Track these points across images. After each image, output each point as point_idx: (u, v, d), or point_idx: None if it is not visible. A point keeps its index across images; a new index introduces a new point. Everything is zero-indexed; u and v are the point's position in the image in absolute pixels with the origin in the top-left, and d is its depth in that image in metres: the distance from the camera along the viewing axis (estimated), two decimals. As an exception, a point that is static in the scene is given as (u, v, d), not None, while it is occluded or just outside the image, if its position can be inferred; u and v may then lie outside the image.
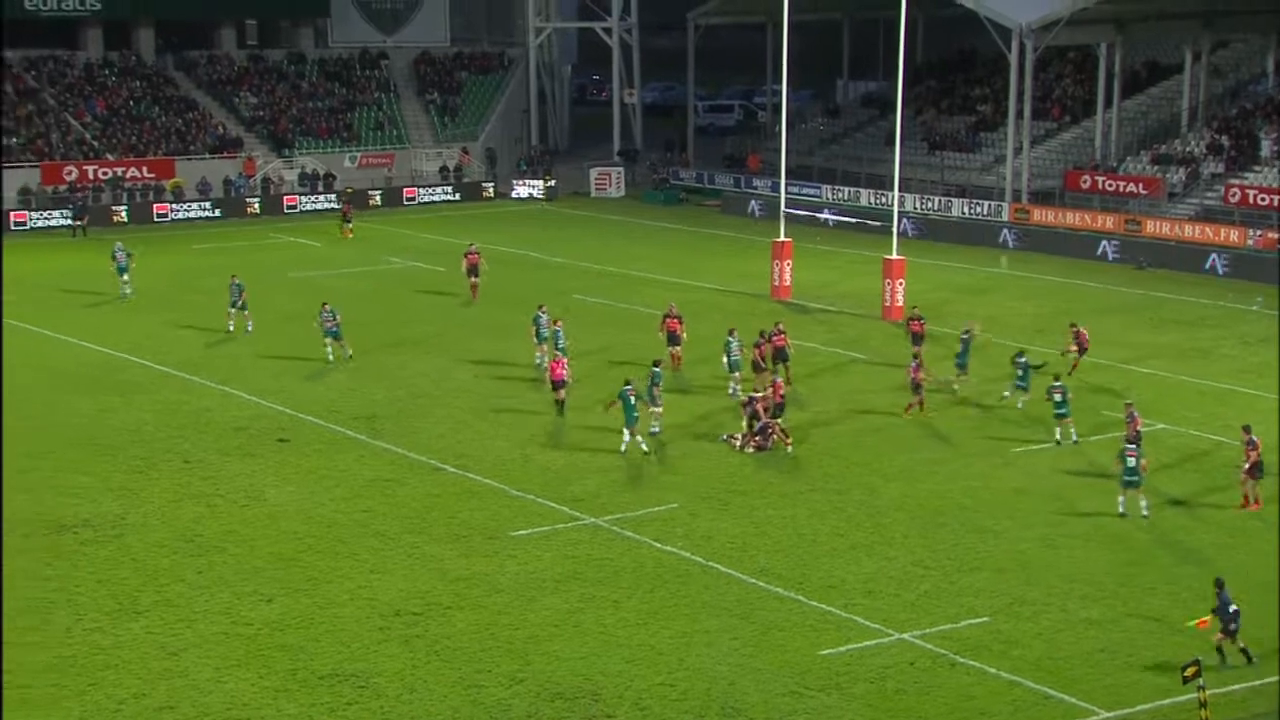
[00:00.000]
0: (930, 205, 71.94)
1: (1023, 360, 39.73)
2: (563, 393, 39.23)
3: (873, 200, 71.91)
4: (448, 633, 26.37)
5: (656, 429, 37.18)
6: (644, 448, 36.01)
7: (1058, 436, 36.96)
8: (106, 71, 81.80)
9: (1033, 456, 36.30)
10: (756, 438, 36.06)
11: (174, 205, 74.27)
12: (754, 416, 36.26)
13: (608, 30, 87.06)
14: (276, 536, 30.88)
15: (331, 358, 45.10)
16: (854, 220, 66.42)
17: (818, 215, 68.26)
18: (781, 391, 37.38)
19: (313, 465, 35.43)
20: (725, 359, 41.20)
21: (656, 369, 37.62)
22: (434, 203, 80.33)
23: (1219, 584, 24.93)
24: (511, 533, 31.09)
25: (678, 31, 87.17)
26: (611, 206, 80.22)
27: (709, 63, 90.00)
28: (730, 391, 40.81)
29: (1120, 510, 31.65)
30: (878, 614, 27.20)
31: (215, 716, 23.33)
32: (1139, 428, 34.45)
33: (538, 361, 43.75)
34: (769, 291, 55.50)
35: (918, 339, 43.55)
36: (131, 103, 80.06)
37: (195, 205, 74.69)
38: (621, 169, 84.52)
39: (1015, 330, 49.18)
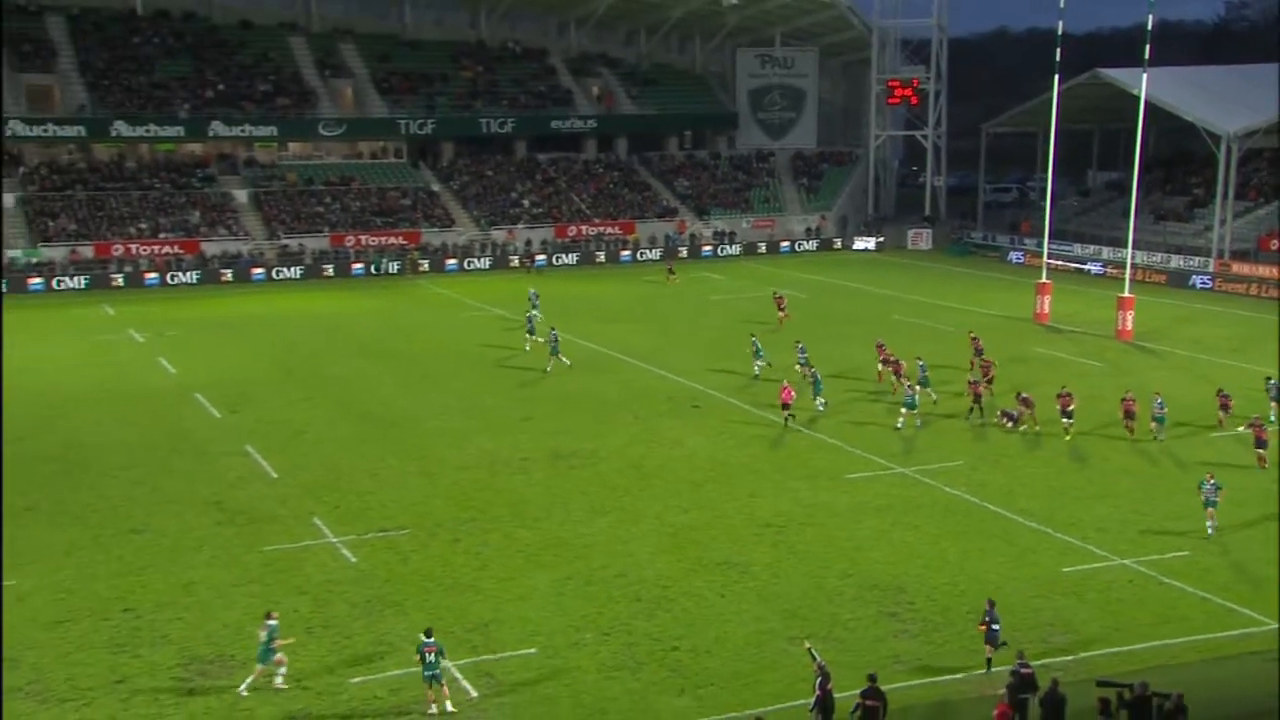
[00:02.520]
0: (1154, 260, 66.53)
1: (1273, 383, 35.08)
2: (787, 412, 34.84)
3: (1111, 255, 67.19)
4: (801, 540, 26.25)
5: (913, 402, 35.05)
6: (898, 425, 34.52)
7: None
8: (597, 165, 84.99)
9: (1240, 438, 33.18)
10: (1008, 421, 34.33)
11: (634, 251, 76.52)
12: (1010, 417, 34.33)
13: (924, 136, 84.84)
14: (690, 470, 31.34)
15: (550, 369, 41.62)
16: (1100, 268, 62.29)
17: (1081, 266, 64.65)
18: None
19: (715, 424, 35.63)
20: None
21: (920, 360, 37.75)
22: (799, 251, 80.00)
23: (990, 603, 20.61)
24: (846, 476, 30.68)
25: (974, 136, 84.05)
26: (921, 256, 77.99)
27: (995, 157, 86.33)
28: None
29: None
30: (1106, 544, 25.54)
31: (649, 583, 23.95)
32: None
33: (756, 373, 40.47)
34: (1032, 317, 52.92)
35: (979, 353, 40.83)
36: (611, 185, 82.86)
37: (646, 251, 76.78)
38: (930, 230, 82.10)
39: (1213, 348, 45.07)
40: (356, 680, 20.08)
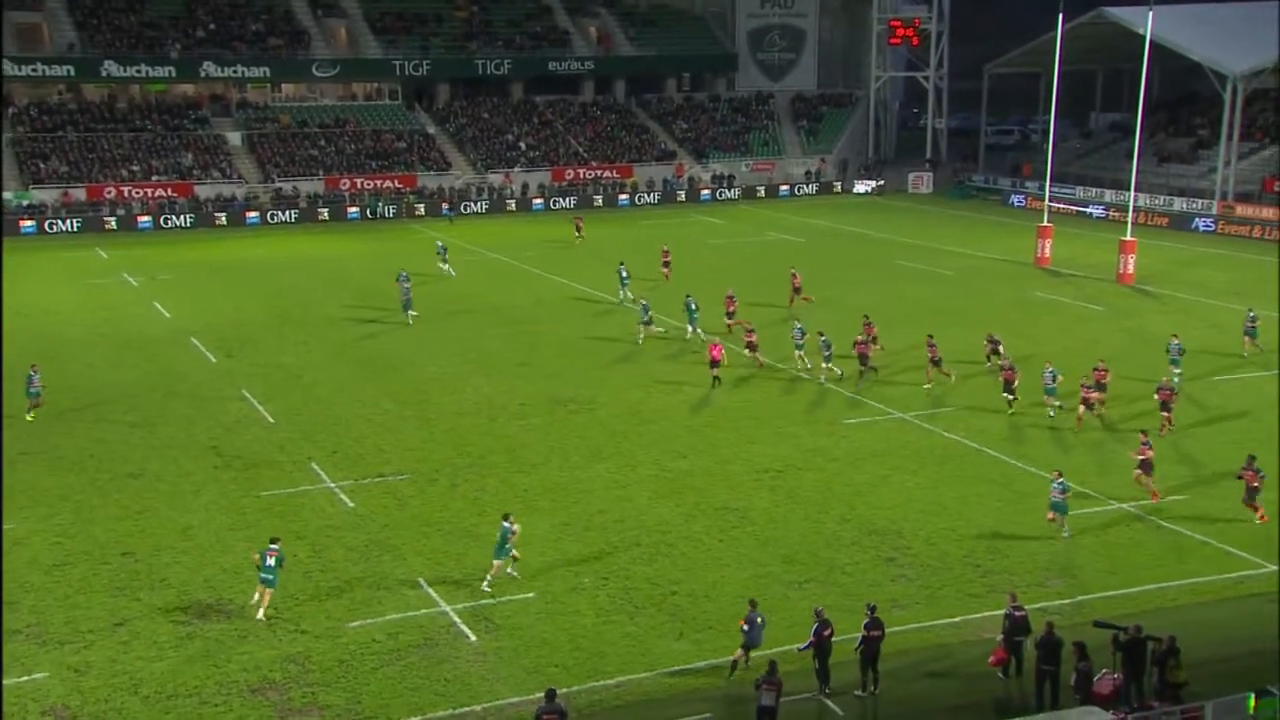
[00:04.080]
0: (1157, 203, 66.06)
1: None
2: (717, 370, 33.38)
3: (1113, 198, 66.69)
4: (799, 484, 26.28)
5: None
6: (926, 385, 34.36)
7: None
8: (594, 108, 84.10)
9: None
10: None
11: (632, 196, 75.96)
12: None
13: (926, 77, 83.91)
14: (689, 415, 31.33)
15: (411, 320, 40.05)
16: (1102, 211, 61.86)
17: (1083, 209, 64.17)
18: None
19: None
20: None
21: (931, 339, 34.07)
22: (799, 195, 79.43)
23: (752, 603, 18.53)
24: (845, 421, 30.65)
25: (976, 78, 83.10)
26: (923, 199, 77.46)
27: (997, 99, 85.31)
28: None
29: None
30: (1106, 490, 25.55)
31: (648, 529, 23.99)
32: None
33: (688, 337, 38.08)
34: (1033, 261, 52.64)
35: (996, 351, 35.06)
36: (609, 128, 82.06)
37: (645, 196, 76.21)
38: (930, 173, 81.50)
39: (1216, 291, 44.89)
40: (354, 624, 20.17)
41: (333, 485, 26.34)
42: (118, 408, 31.89)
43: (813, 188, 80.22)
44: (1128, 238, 49.04)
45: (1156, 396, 29.43)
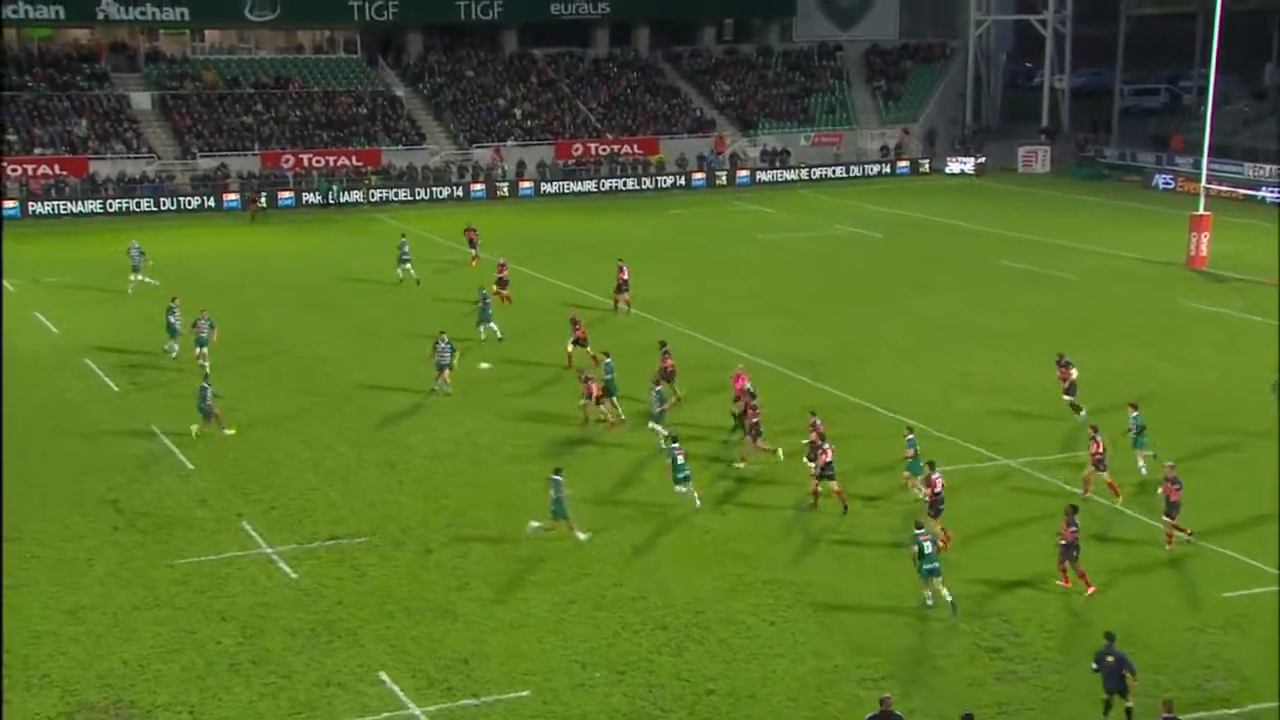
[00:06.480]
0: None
1: None
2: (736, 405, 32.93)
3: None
4: (871, 549, 26.21)
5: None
6: None
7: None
8: (610, 65, 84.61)
9: None
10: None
11: (657, 177, 76.31)
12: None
13: (1042, 21, 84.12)
14: (729, 452, 31.08)
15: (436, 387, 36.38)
16: (1277, 195, 61.76)
17: (1252, 192, 64.04)
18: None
19: (765, 400, 35.00)
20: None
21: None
22: (874, 176, 79.61)
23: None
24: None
25: (1109, 21, 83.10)
26: (1037, 181, 77.44)
27: (1136, 50, 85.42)
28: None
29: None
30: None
31: (677, 608, 23.96)
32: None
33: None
34: (1185, 260, 52.56)
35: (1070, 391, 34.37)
36: (629, 90, 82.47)
37: (673, 177, 76.56)
38: (1048, 147, 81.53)
39: None
40: (296, 732, 20.23)
41: (269, 551, 26.46)
42: (-11, 449, 32.15)
43: (891, 167, 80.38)
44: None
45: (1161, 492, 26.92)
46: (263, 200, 67.47)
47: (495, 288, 44.58)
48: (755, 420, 30.67)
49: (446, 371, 36.12)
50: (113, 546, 26.78)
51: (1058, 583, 24.64)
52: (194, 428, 32.81)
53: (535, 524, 26.61)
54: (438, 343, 36.32)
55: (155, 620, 23.54)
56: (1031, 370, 36.84)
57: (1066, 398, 33.56)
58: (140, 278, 49.50)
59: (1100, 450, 28.08)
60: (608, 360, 34.31)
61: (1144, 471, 29.82)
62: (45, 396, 36.55)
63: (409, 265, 50.27)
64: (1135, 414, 30.08)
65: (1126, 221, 63.83)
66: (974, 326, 43.20)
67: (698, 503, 28.49)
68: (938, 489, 26.13)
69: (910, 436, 28.95)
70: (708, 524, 27.65)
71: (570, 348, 38.14)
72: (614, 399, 33.68)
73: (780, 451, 30.57)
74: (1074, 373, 33.59)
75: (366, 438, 33.01)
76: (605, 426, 33.39)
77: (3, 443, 31.37)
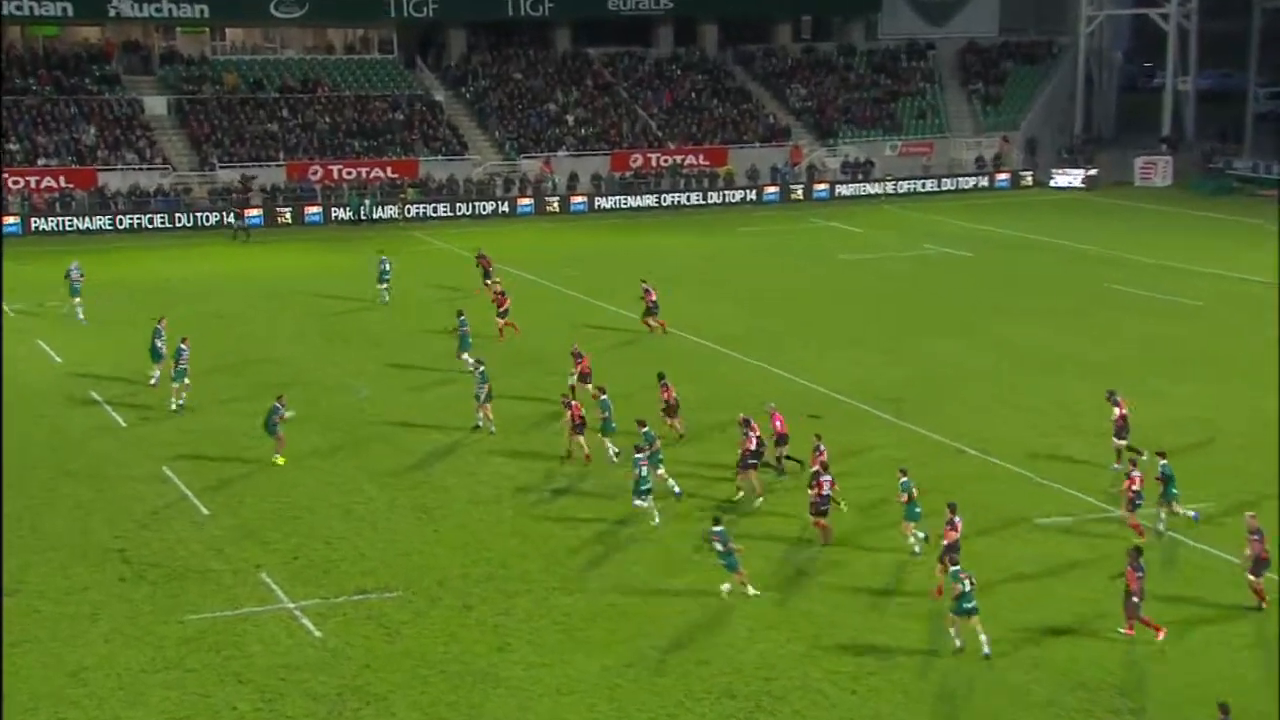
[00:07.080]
0: None
1: None
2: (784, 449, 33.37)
3: None
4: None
5: None
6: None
7: None
8: (674, 66, 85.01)
9: None
10: None
11: (725, 191, 76.52)
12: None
13: (1164, 15, 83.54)
14: (807, 504, 31.09)
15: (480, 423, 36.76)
16: None
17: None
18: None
19: (844, 441, 34.37)
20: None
21: None
22: (970, 190, 79.40)
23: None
24: (1035, 519, 30.37)
25: (1240, 15, 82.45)
26: (1156, 196, 76.96)
27: (1272, 48, 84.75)
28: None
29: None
30: None
31: (747, 674, 23.88)
32: None
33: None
34: (1324, 286, 52.17)
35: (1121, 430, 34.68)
36: (694, 95, 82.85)
37: (743, 191, 76.70)
38: (1169, 158, 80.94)
39: None
40: (319, 807, 20.35)
41: (291, 606, 26.62)
42: (-15, 491, 32.61)
43: (989, 180, 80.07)
44: None
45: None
46: (244, 219, 67.00)
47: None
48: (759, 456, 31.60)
49: (488, 406, 36.31)
50: (119, 600, 27.00)
51: (1120, 630, 24.76)
52: (277, 458, 33.86)
53: (726, 586, 26.70)
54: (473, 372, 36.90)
55: (164, 683, 23.70)
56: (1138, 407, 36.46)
57: (1118, 441, 33.20)
58: (78, 302, 49.52)
59: (1135, 487, 28.89)
60: (604, 398, 34.55)
61: (1162, 528, 29.67)
62: (48, 433, 37.01)
63: (387, 286, 51.20)
64: (1164, 463, 29.87)
65: (1259, 242, 63.15)
66: (1074, 358, 42.86)
67: (656, 519, 29.59)
68: (956, 534, 26.40)
69: (904, 480, 28.67)
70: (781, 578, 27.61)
71: (574, 382, 38.19)
72: (608, 438, 34.07)
73: (843, 505, 30.45)
74: (1117, 411, 33.22)
75: (399, 480, 33.20)
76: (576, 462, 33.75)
77: (2, 484, 31.82)
